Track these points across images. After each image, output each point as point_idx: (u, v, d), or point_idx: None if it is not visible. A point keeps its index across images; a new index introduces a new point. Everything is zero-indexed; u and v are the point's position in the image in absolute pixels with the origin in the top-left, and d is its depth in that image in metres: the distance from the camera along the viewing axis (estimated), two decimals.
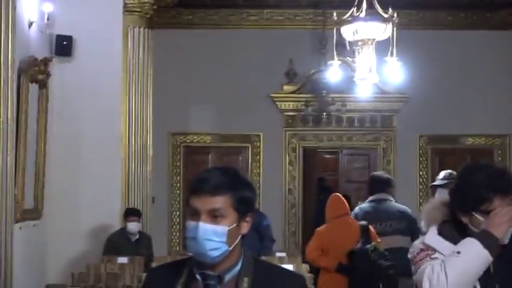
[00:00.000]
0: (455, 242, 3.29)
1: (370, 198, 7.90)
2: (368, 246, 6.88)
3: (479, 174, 3.34)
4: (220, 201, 2.63)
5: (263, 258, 9.43)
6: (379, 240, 7.13)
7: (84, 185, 9.35)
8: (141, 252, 9.35)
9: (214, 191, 2.64)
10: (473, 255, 3.18)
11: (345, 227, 7.07)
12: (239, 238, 2.69)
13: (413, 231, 7.45)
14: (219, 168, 2.77)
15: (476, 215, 3.27)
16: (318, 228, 7.38)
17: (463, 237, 3.27)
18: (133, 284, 8.14)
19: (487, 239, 3.18)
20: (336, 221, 7.13)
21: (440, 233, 3.38)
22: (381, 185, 7.92)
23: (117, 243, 9.44)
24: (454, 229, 3.35)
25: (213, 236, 2.62)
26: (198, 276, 2.68)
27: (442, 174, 7.90)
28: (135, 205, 9.82)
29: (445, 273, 3.18)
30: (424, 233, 3.58)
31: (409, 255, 3.49)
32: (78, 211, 9.46)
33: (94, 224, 9.62)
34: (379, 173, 8.67)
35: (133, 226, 9.40)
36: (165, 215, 13.34)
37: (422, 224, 6.91)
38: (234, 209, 2.65)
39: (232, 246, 2.66)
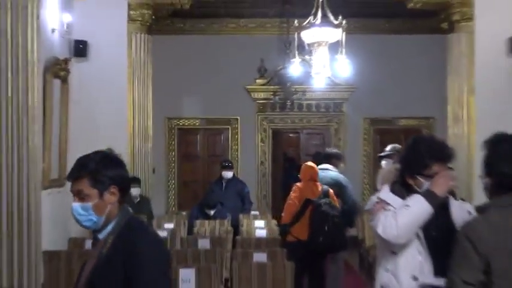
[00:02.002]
0: (403, 197, 3.38)
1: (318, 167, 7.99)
2: (323, 200, 7.14)
3: (422, 144, 3.42)
4: (80, 184, 2.71)
5: (241, 216, 9.54)
6: (335, 198, 7.31)
7: None
8: (142, 212, 9.35)
9: (75, 178, 2.73)
10: (419, 208, 3.27)
11: (312, 188, 7.33)
12: (109, 207, 2.73)
13: (342, 194, 7.64)
14: (85, 155, 2.82)
15: (419, 178, 3.36)
16: (297, 183, 7.52)
17: (409, 195, 3.35)
18: None
19: (430, 196, 3.27)
20: (308, 183, 7.38)
21: (391, 191, 3.48)
22: (325, 158, 8.03)
23: None
24: (403, 188, 3.43)
25: (83, 211, 2.71)
26: (93, 236, 2.82)
27: (389, 147, 7.91)
28: (139, 175, 9.79)
29: (396, 220, 3.27)
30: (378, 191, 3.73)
31: (367, 207, 3.67)
32: None
33: None
34: (329, 149, 8.70)
35: (135, 191, 9.38)
36: (163, 182, 13.32)
37: (377, 183, 7.01)
38: (94, 188, 2.71)
39: (105, 214, 2.73)
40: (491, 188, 2.97)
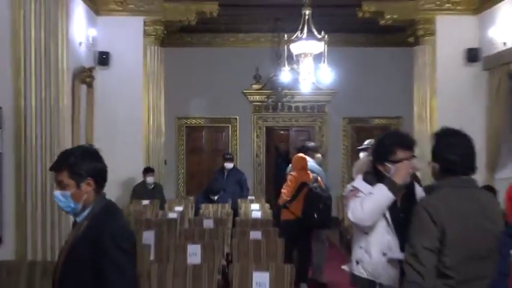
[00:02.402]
0: (374, 185, 3.39)
1: None
2: (315, 184, 7.20)
3: (390, 137, 3.48)
4: (60, 176, 2.68)
5: (239, 200, 9.53)
6: (322, 184, 7.31)
7: (118, 151, 9.27)
8: (156, 197, 9.35)
9: (56, 169, 2.69)
10: (382, 195, 3.31)
11: (304, 176, 7.31)
12: (85, 195, 2.70)
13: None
14: (66, 150, 2.78)
15: (387, 164, 3.38)
16: (291, 173, 7.48)
17: (380, 182, 3.37)
18: (152, 218, 8.16)
19: (390, 184, 3.30)
20: (300, 171, 7.36)
21: (364, 179, 3.50)
22: (303, 151, 7.98)
23: (139, 191, 9.43)
24: (374, 177, 3.44)
25: (63, 199, 2.68)
26: (74, 219, 2.79)
27: (366, 141, 7.89)
28: (153, 165, 9.80)
29: (362, 205, 3.32)
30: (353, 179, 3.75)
31: (344, 194, 3.68)
32: (114, 169, 9.17)
33: (125, 178, 9.61)
34: (307, 142, 8.62)
35: (150, 179, 9.41)
36: (173, 172, 13.32)
37: (353, 173, 6.98)
38: (72, 179, 2.67)
39: (82, 202, 2.70)
40: (438, 171, 3.00)
